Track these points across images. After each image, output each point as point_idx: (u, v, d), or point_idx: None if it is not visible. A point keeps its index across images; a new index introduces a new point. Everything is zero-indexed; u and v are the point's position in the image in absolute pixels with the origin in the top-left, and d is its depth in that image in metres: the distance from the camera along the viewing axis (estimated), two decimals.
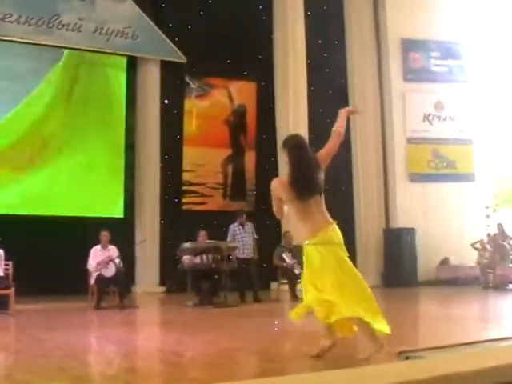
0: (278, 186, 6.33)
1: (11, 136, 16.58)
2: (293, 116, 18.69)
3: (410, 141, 20.08)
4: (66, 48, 17.26)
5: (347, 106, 19.73)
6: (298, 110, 18.78)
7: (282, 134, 18.73)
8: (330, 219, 6.30)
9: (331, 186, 19.08)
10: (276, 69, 19.14)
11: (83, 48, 17.46)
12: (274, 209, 6.42)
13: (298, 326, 9.27)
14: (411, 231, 19.08)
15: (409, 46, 20.36)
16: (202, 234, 14.03)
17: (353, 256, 19.83)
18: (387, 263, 19.16)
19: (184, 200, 18.57)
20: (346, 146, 19.53)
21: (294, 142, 6.54)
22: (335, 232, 6.26)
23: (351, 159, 19.90)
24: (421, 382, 3.52)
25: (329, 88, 19.22)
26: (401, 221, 19.55)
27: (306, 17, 19.15)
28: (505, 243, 18.24)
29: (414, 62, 20.44)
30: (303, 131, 18.59)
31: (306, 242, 6.25)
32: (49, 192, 16.88)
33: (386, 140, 20.24)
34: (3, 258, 12.00)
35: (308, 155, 6.41)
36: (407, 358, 5.08)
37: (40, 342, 7.88)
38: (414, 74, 20.44)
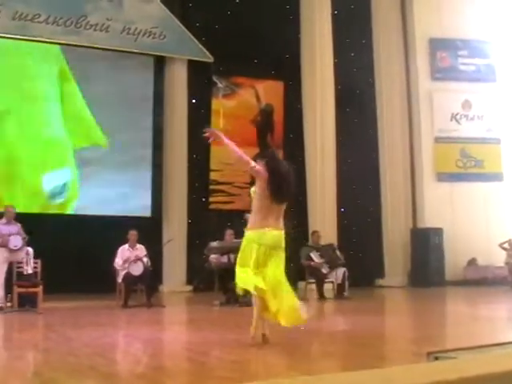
0: (264, 175, 7.02)
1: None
2: (320, 116, 18.66)
3: (437, 140, 19.95)
4: (94, 48, 17.31)
5: (375, 106, 19.72)
6: (326, 109, 18.74)
7: (309, 133, 18.73)
8: (281, 225, 7.14)
9: (358, 186, 19.15)
10: (303, 68, 19.11)
11: (111, 48, 17.51)
12: (238, 154, 7.19)
13: (326, 326, 9.24)
14: (439, 231, 18.96)
15: (436, 45, 20.23)
16: (229, 232, 13.99)
17: (380, 256, 19.84)
18: (414, 263, 19.06)
19: (211, 199, 18.58)
20: (373, 145, 19.49)
21: (270, 155, 7.45)
22: (280, 236, 7.11)
23: (378, 159, 19.82)
24: (451, 382, 3.44)
25: (356, 87, 19.14)
26: (428, 221, 19.44)
27: (334, 16, 19.10)
28: None
29: (441, 61, 20.31)
30: (330, 131, 18.59)
31: (248, 227, 7.15)
32: (77, 191, 16.97)
33: (414, 139, 20.14)
34: (32, 256, 12.06)
35: (284, 167, 7.22)
36: (437, 359, 5.00)
37: (68, 340, 7.89)
38: (441, 73, 20.32)
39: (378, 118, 19.97)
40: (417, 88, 20.11)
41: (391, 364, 5.70)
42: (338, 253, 14.74)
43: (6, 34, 16.38)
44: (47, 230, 15.10)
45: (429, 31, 20.12)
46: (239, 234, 13.61)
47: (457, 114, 20.16)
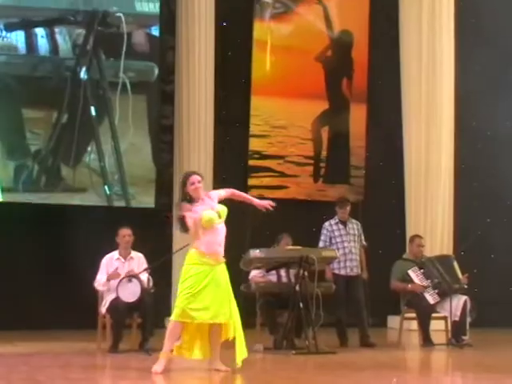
0: None
1: None
2: (427, 48, 18.29)
3: None
4: None
5: None
6: (439, 39, 18.33)
7: (409, 77, 18.43)
8: None
9: (487, 170, 18.95)
10: None
11: None
12: None
13: None
14: None
15: None
16: (285, 236, 13.81)
17: None
18: None
19: (252, 181, 18.38)
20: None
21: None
22: None
23: None
24: None
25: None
26: None
27: None
28: None
29: None
30: (446, 75, 18.16)
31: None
32: None
33: None
34: None
35: None
36: None
37: None
38: None
39: None
40: None
41: None
42: (457, 270, 14.43)
43: None
44: None
45: None
46: (298, 240, 13.47)
47: None
